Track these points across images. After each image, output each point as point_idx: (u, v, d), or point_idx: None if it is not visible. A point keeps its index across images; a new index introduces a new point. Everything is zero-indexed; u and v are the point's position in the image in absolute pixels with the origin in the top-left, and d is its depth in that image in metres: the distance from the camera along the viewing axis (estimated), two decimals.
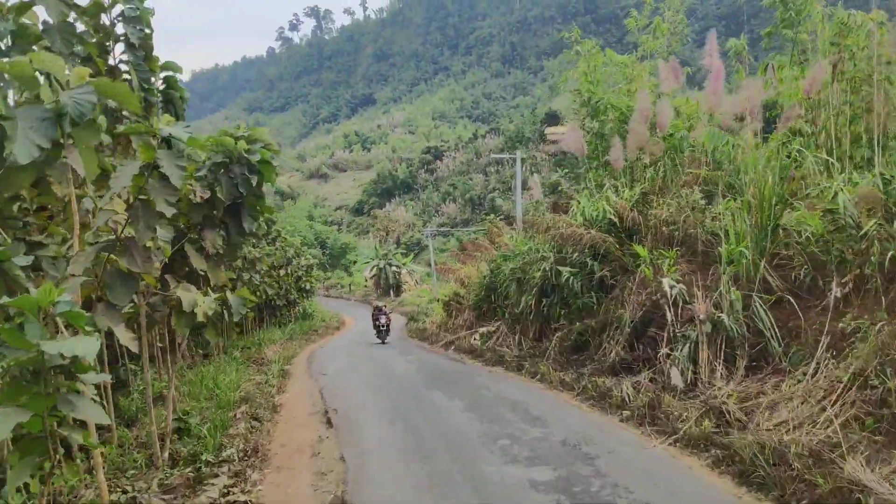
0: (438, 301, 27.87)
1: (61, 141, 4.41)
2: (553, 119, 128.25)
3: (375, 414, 11.21)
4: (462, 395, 12.07)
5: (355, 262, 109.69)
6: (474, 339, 18.97)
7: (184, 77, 8.54)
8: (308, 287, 40.94)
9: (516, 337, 16.35)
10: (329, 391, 13.96)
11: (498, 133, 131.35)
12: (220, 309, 7.88)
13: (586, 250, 13.31)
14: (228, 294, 8.11)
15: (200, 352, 18.66)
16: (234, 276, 15.52)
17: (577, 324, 13.33)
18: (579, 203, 14.38)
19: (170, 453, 8.09)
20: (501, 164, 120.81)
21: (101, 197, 6.32)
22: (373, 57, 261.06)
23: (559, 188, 22.60)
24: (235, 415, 11.20)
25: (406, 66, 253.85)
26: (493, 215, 48.91)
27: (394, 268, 74.87)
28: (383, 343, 25.13)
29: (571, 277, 13.54)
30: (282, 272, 32.03)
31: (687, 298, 10.23)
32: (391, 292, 73.14)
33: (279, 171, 8.05)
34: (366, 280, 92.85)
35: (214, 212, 7.50)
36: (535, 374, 13.25)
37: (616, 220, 13.05)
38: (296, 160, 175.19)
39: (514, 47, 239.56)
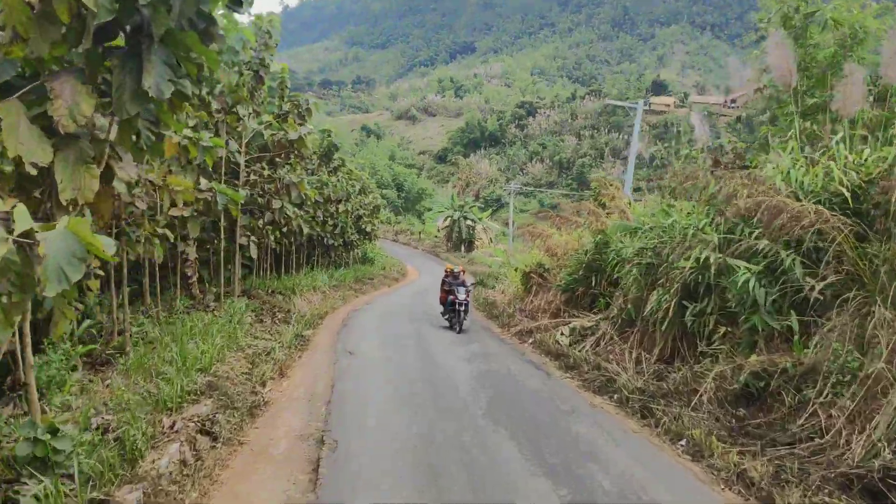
0: (516, 270, 21.80)
1: None
2: (659, 88, 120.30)
3: (393, 473, 6.21)
4: (553, 467, 6.46)
5: (429, 210, 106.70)
6: (561, 334, 13.36)
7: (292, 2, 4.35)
8: (369, 229, 36.48)
9: (631, 350, 10.62)
10: (342, 395, 9.16)
11: (598, 96, 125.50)
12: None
13: (793, 239, 7.58)
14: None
15: (213, 291, 14.37)
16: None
17: (753, 356, 7.73)
18: (775, 166, 8.85)
19: None
20: (597, 128, 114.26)
21: None
22: (480, 4, 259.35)
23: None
24: (173, 425, 6.63)
25: (512, 17, 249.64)
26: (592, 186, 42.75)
27: (468, 221, 69.90)
28: (458, 332, 16.00)
29: (752, 279, 7.92)
30: (340, 207, 28.02)
31: None
32: (462, 247, 68.87)
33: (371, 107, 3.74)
34: (437, 230, 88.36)
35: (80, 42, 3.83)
36: (676, 435, 7.40)
37: (849, 194, 7.34)
38: (388, 99, 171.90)
39: (627, 11, 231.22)
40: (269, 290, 18.18)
